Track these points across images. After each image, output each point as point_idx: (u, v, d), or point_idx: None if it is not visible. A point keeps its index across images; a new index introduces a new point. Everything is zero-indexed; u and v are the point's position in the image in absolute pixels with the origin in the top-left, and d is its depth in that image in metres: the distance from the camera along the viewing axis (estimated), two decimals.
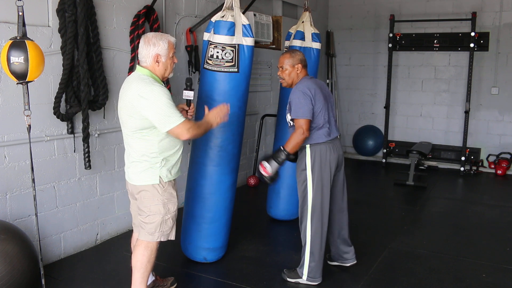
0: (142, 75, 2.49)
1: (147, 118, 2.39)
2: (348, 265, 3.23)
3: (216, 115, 2.65)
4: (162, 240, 2.60)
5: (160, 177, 2.51)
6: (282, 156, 2.80)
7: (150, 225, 2.55)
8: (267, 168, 2.80)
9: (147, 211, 2.55)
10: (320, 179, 2.91)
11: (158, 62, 2.51)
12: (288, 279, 3.06)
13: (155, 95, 2.37)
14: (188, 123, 2.44)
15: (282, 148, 2.82)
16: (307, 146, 2.91)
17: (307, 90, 2.85)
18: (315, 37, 4.00)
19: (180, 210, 3.37)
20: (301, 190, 2.98)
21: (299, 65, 2.98)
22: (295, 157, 2.96)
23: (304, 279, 3.02)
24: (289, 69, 2.99)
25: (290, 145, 2.80)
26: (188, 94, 2.77)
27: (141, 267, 2.57)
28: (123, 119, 2.52)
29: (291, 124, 2.96)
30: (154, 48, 2.48)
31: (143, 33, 3.64)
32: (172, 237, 2.65)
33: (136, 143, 2.50)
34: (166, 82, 3.99)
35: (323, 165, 2.92)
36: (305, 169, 2.93)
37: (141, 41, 2.54)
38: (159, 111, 2.37)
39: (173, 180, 2.63)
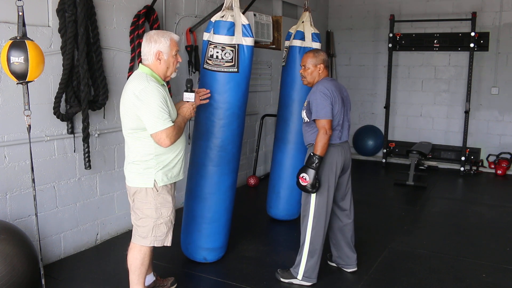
0: (141, 73, 2.46)
1: (140, 118, 2.37)
2: (348, 270, 3.22)
3: (187, 110, 2.61)
4: (155, 245, 2.57)
5: (155, 180, 2.47)
6: (315, 160, 2.82)
7: (143, 229, 2.52)
8: (305, 178, 2.83)
9: (140, 214, 2.52)
10: (326, 180, 2.92)
11: (160, 60, 2.47)
12: (282, 279, 3.06)
13: (147, 93, 2.34)
14: (173, 129, 2.40)
15: (312, 153, 2.84)
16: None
17: (327, 91, 2.88)
18: (315, 37, 4.00)
19: (180, 210, 3.38)
20: None
21: (322, 65, 3.02)
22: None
23: (298, 279, 3.01)
24: (312, 68, 3.02)
25: (318, 148, 2.82)
26: (189, 96, 2.66)
27: (135, 270, 2.56)
28: (122, 118, 2.51)
29: (306, 120, 2.99)
30: (156, 45, 2.45)
31: (143, 33, 3.63)
32: (167, 243, 2.60)
33: (132, 143, 2.48)
34: (166, 82, 3.99)
35: (329, 166, 2.92)
36: None
37: (143, 38, 2.51)
38: (149, 111, 2.34)
39: (170, 184, 2.57)
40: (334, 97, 2.89)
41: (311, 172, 2.81)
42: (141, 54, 2.52)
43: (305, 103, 3.01)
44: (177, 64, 2.58)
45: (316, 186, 2.84)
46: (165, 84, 2.58)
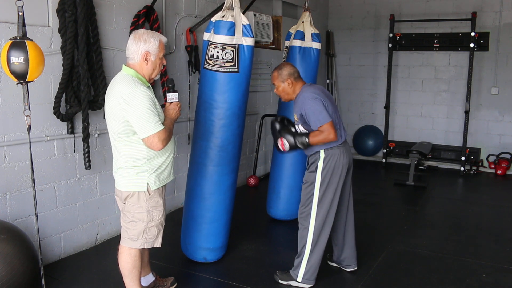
0: (126, 75, 2.38)
1: (129, 122, 2.31)
2: (348, 270, 3.22)
3: (173, 111, 2.54)
4: (145, 247, 2.56)
5: (148, 184, 2.44)
6: (304, 143, 2.83)
7: (133, 231, 2.50)
8: (286, 146, 2.89)
9: (130, 217, 2.50)
10: (331, 182, 2.90)
11: (147, 60, 2.39)
12: (281, 281, 3.05)
13: (136, 97, 2.27)
14: (165, 132, 2.34)
15: (308, 139, 2.83)
16: (321, 151, 2.89)
17: (315, 95, 2.84)
18: (315, 37, 4.00)
19: (180, 210, 3.38)
20: (307, 191, 2.95)
21: (289, 79, 2.95)
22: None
23: (298, 281, 3.00)
24: (281, 85, 2.98)
25: (316, 139, 2.81)
26: (172, 97, 2.56)
27: (128, 274, 2.55)
28: (108, 121, 2.43)
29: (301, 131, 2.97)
30: (145, 44, 2.37)
31: None
32: (158, 244, 2.59)
33: (122, 148, 2.42)
34: (162, 85, 3.98)
35: (336, 169, 2.90)
36: (315, 171, 2.91)
37: (131, 37, 2.41)
38: (139, 115, 2.27)
39: (162, 187, 2.54)
40: (323, 98, 2.86)
41: (293, 146, 2.87)
42: (127, 53, 2.42)
43: (296, 116, 2.96)
44: (161, 67, 2.51)
45: (288, 153, 2.98)
46: (150, 86, 2.50)
